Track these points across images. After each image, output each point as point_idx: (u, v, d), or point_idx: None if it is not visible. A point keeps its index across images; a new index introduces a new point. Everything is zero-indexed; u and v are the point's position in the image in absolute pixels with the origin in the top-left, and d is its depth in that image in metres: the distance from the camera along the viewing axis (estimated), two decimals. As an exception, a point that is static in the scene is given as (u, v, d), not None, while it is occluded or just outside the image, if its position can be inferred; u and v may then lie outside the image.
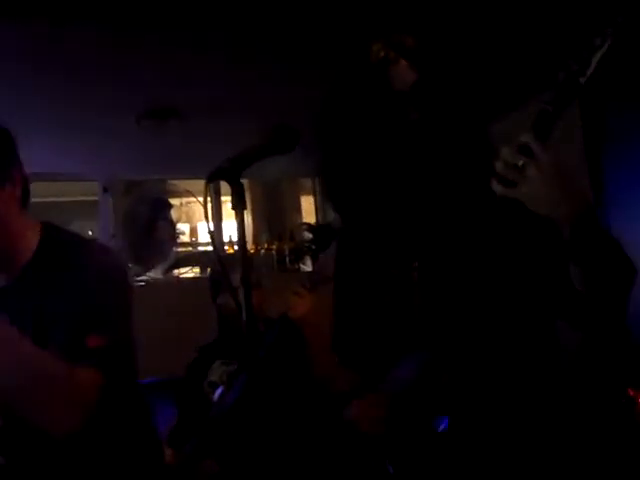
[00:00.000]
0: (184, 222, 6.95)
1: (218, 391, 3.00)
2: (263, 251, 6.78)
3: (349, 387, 1.65)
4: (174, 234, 5.97)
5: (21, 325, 1.40)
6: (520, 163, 1.22)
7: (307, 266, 6.24)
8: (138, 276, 5.82)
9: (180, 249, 6.49)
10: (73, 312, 1.45)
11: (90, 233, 7.12)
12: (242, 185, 1.28)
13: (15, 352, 1.36)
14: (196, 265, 6.72)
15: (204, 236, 7.31)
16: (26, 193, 1.65)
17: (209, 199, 1.33)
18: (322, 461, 2.80)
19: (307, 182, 7.58)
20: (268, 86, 4.12)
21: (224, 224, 6.63)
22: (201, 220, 7.16)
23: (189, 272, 6.88)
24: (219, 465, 2.74)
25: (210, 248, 6.41)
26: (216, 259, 3.62)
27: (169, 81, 3.92)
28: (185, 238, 7.11)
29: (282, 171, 6.56)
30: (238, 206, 1.30)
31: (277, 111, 3.51)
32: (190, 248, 7.09)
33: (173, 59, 3.68)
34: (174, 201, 6.40)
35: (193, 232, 7.67)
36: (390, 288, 1.51)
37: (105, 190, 5.80)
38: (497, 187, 1.25)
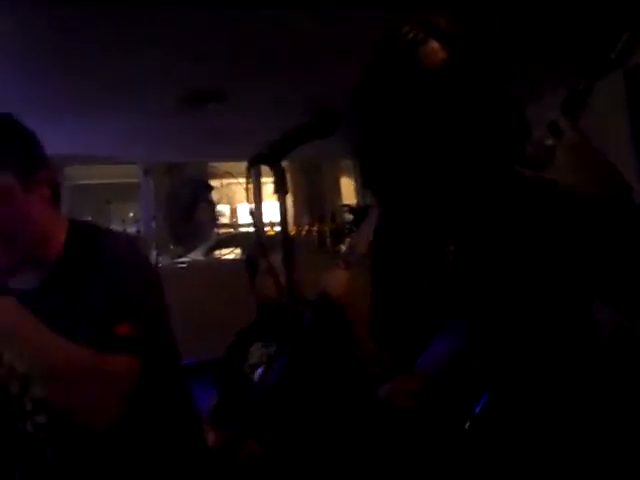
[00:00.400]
0: (225, 203, 6.98)
1: (258, 371, 3.01)
2: (304, 233, 6.79)
3: (383, 370, 1.65)
4: (215, 216, 6.01)
5: (54, 325, 1.42)
6: (549, 143, 1.19)
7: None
8: (179, 257, 5.88)
9: (221, 230, 6.51)
10: (101, 305, 1.46)
11: (131, 215, 7.22)
12: (283, 170, 1.28)
13: (46, 349, 1.39)
14: (237, 246, 6.75)
15: (244, 217, 7.32)
16: (56, 192, 1.63)
17: (250, 181, 1.33)
18: (362, 440, 2.82)
19: (347, 164, 7.55)
20: (311, 69, 4.10)
21: (264, 205, 6.64)
22: (242, 201, 7.19)
23: (230, 254, 6.92)
24: (261, 446, 2.76)
25: (251, 229, 6.44)
26: (257, 240, 3.60)
27: (212, 63, 3.91)
28: (225, 219, 7.13)
29: (322, 153, 6.54)
30: (280, 190, 1.30)
31: (319, 95, 3.50)
32: (231, 230, 7.11)
33: (216, 40, 3.66)
34: (214, 183, 6.44)
35: (233, 213, 7.69)
36: (425, 271, 1.50)
37: (146, 172, 5.84)
38: (528, 170, 1.23)
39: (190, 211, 5.72)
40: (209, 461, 1.90)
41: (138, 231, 6.25)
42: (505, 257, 1.41)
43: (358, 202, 6.93)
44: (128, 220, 7.70)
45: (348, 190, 7.86)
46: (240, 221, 7.63)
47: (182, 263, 5.75)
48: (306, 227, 6.83)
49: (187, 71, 3.99)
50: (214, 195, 6.46)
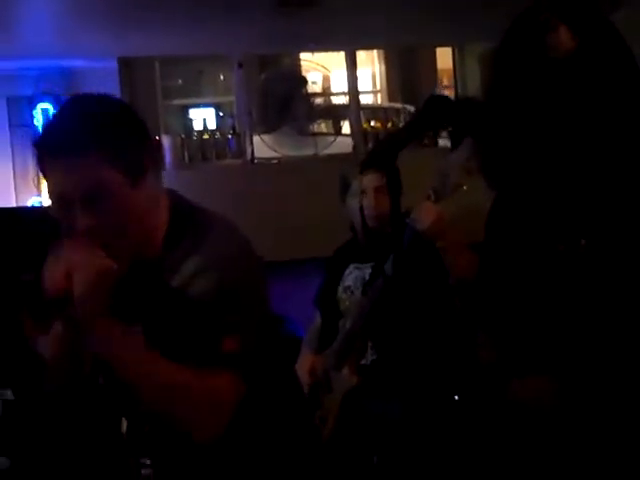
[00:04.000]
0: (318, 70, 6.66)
1: (352, 298, 2.99)
2: (401, 125, 6.62)
3: (494, 359, 1.60)
4: (311, 112, 5.88)
5: (152, 321, 1.40)
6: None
7: (445, 140, 6.04)
8: (274, 150, 5.83)
9: (313, 99, 6.28)
10: (207, 313, 1.39)
11: (222, 78, 7.00)
12: (397, 170, 1.19)
13: (147, 370, 1.38)
14: (330, 118, 6.61)
15: (338, 85, 7.02)
16: (159, 176, 1.53)
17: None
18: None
19: (447, 52, 7.19)
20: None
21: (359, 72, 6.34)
22: (336, 68, 6.94)
23: (323, 127, 6.78)
24: (359, 377, 2.77)
25: (344, 100, 6.27)
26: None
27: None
28: (318, 88, 6.82)
29: (421, 37, 6.27)
30: (392, 190, 1.22)
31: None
32: (320, 100, 6.73)
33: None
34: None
35: (326, 80, 7.43)
36: (555, 264, 1.42)
37: (240, 66, 5.73)
38: None
39: (285, 106, 5.60)
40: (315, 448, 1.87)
41: (233, 126, 6.22)
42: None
43: (456, 93, 6.65)
44: (220, 88, 7.60)
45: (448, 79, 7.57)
46: (333, 89, 7.35)
47: (275, 159, 5.71)
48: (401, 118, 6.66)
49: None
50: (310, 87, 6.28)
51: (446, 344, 2.80)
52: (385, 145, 1.21)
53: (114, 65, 5.52)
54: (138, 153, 1.46)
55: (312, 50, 6.22)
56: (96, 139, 1.40)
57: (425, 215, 2.46)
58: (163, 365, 1.37)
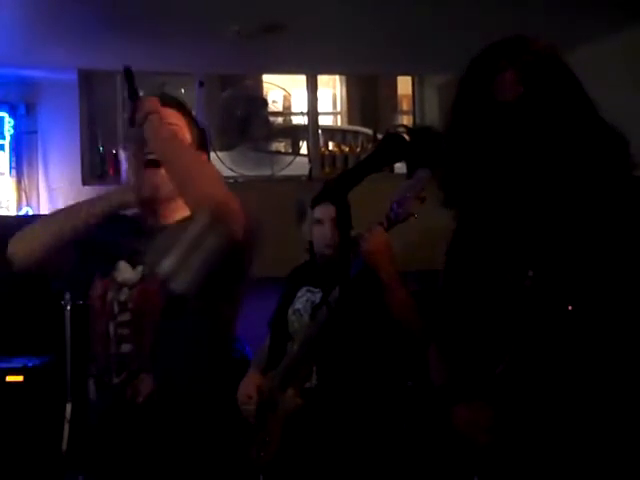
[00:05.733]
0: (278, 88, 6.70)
1: (300, 321, 3.03)
2: (359, 149, 6.71)
3: (445, 380, 1.66)
4: (270, 133, 5.91)
5: None
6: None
7: (401, 168, 6.12)
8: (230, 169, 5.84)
9: (273, 119, 6.32)
10: None
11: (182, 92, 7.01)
12: (348, 206, 1.23)
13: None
14: (289, 137, 6.63)
15: (298, 105, 7.07)
16: None
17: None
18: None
19: (407, 78, 7.29)
20: None
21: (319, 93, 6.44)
22: (295, 87, 6.99)
23: (281, 147, 6.81)
24: (302, 399, 2.80)
25: (304, 120, 6.31)
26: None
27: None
28: (278, 106, 6.86)
29: (381, 67, 6.36)
30: (342, 224, 1.26)
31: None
32: (280, 119, 6.77)
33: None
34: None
35: (286, 99, 7.45)
36: (502, 293, 1.49)
37: (201, 84, 5.75)
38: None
39: (244, 126, 5.63)
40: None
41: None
42: (587, 287, 1.39)
43: (415, 121, 6.75)
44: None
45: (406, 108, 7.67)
46: (294, 109, 7.36)
47: (232, 178, 5.72)
48: (360, 144, 6.73)
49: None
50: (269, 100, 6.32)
51: (387, 372, 2.85)
52: (338, 181, 1.26)
53: (74, 77, 5.50)
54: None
55: (274, 72, 6.26)
56: None
57: (373, 237, 2.56)
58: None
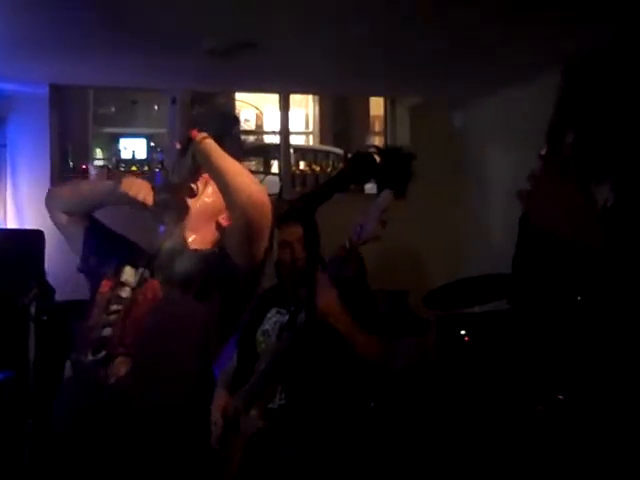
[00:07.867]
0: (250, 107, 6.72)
1: (268, 341, 3.04)
2: (329, 169, 6.74)
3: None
4: (242, 150, 5.91)
5: None
6: None
7: (371, 189, 6.16)
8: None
9: (244, 137, 6.36)
10: None
11: (156, 108, 6.98)
12: (316, 225, 1.24)
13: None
14: (261, 156, 6.63)
15: (270, 124, 7.10)
16: None
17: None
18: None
19: (380, 99, 7.36)
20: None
21: (292, 112, 6.51)
22: (268, 103, 7.00)
23: (253, 166, 6.83)
24: (266, 421, 2.79)
25: (277, 140, 6.33)
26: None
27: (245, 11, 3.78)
28: (250, 125, 6.88)
29: (352, 89, 6.40)
30: (310, 245, 1.27)
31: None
32: (251, 138, 6.82)
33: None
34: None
35: (259, 118, 7.45)
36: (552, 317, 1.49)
37: (173, 101, 5.74)
38: None
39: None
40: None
41: (162, 160, 6.21)
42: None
43: (386, 142, 6.80)
44: (153, 118, 7.53)
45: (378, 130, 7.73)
46: (266, 127, 7.36)
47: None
48: (331, 164, 6.76)
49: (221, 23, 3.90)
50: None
51: (351, 393, 2.85)
52: (304, 200, 1.26)
53: (46, 91, 5.47)
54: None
55: (246, 91, 6.28)
56: None
57: (321, 298, 2.62)
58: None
